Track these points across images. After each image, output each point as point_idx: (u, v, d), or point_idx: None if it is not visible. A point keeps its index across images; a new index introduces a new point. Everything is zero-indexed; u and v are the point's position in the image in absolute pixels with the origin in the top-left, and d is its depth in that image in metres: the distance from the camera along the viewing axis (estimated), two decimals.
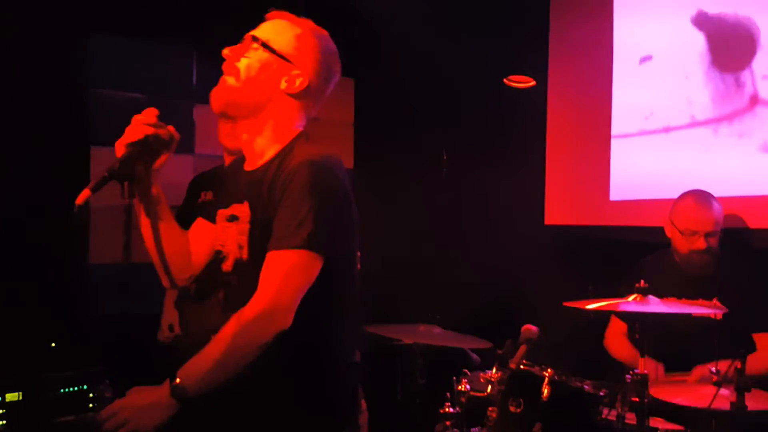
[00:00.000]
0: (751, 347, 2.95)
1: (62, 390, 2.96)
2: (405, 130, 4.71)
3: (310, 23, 1.91)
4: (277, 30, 1.86)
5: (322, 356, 1.82)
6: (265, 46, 1.83)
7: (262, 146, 1.86)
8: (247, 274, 1.79)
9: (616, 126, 4.09)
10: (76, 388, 2.99)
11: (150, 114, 1.80)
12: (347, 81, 4.75)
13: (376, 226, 4.45)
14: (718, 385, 2.41)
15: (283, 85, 1.84)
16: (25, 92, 3.39)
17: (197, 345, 1.71)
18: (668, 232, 3.23)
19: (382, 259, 3.47)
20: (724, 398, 2.36)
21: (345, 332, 1.89)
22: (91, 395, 3.01)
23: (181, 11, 3.58)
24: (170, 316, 2.94)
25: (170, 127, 1.84)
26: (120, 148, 1.76)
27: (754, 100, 3.52)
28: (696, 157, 3.71)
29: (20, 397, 2.87)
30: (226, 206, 1.90)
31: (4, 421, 2.82)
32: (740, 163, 3.53)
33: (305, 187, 1.71)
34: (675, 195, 3.27)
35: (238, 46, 1.85)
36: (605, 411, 2.43)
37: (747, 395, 2.28)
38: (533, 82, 4.52)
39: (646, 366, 2.37)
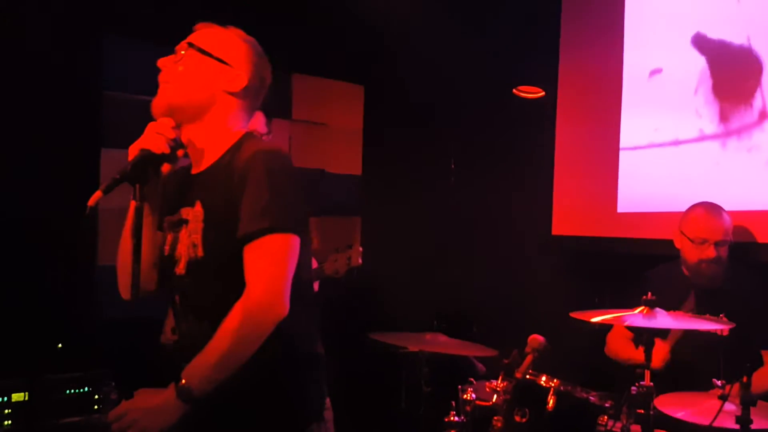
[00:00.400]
0: (758, 362, 2.94)
1: (68, 391, 2.98)
2: (413, 138, 4.72)
3: (237, 30, 1.96)
4: (209, 36, 1.91)
5: (285, 345, 1.79)
6: (202, 50, 1.87)
7: (208, 148, 1.89)
8: (202, 271, 1.81)
9: (625, 138, 4.09)
10: (81, 390, 3.01)
11: (166, 123, 1.82)
12: (357, 88, 4.78)
13: (383, 232, 4.49)
14: (723, 398, 2.39)
15: (224, 85, 1.88)
16: (39, 93, 3.42)
17: (187, 349, 1.73)
18: (677, 243, 3.23)
19: (388, 267, 3.48)
20: (728, 413, 2.35)
21: (305, 319, 1.88)
22: (96, 397, 3.03)
23: (194, 15, 3.61)
24: (173, 318, 2.95)
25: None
26: (133, 151, 1.78)
27: (763, 115, 3.52)
28: (704, 171, 3.71)
29: (26, 398, 2.89)
30: (173, 212, 1.92)
31: (10, 421, 2.83)
32: (748, 177, 3.53)
33: (264, 172, 1.74)
34: (683, 208, 3.27)
35: (172, 56, 1.89)
36: (610, 423, 2.42)
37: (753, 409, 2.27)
38: (542, 93, 4.53)
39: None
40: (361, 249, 3.02)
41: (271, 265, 1.71)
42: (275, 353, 1.75)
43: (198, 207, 1.84)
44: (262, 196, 1.72)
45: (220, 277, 1.77)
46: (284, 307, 1.70)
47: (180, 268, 1.86)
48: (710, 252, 3.06)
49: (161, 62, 1.89)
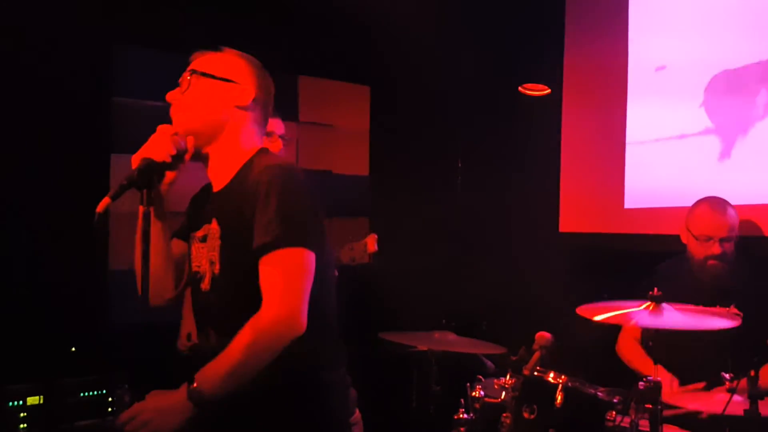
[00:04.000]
0: (766, 356, 2.94)
1: (82, 394, 3.02)
2: (420, 137, 4.74)
3: (233, 51, 1.99)
4: (209, 61, 1.94)
5: (311, 362, 1.84)
6: (205, 74, 1.90)
7: (225, 166, 1.93)
8: (223, 287, 1.85)
9: (631, 134, 4.10)
10: (95, 393, 3.04)
11: (167, 131, 1.85)
12: (363, 88, 4.79)
13: (391, 232, 4.50)
14: (732, 391, 2.40)
15: (234, 101, 1.92)
16: (50, 100, 3.46)
17: (208, 359, 1.75)
18: (684, 239, 3.23)
19: (396, 266, 3.50)
20: (737, 405, 2.36)
21: (332, 337, 1.93)
22: (110, 400, 3.06)
23: (202, 23, 3.65)
24: (189, 324, 2.96)
25: (189, 139, 1.88)
26: (136, 160, 1.81)
27: None
28: (711, 166, 3.71)
29: (41, 401, 2.92)
30: (197, 228, 1.96)
31: (26, 424, 2.87)
32: (755, 171, 3.53)
33: (273, 187, 1.77)
34: (690, 203, 3.27)
35: (177, 88, 1.93)
36: (618, 418, 2.43)
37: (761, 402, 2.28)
38: (548, 90, 4.54)
39: (661, 377, 2.37)
40: (375, 236, 3.02)
41: (286, 280, 1.73)
42: (297, 367, 1.80)
43: (214, 224, 1.89)
44: (270, 209, 1.74)
45: (240, 293, 1.80)
46: (301, 325, 1.72)
47: (205, 284, 1.90)
48: (715, 249, 3.06)
49: (170, 96, 1.92)
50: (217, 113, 1.91)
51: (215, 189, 1.96)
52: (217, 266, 1.86)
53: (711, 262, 3.09)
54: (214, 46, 1.99)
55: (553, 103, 4.48)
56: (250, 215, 1.78)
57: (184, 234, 2.04)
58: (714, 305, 2.95)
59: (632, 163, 4.08)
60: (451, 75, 4.59)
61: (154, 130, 1.87)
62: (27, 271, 3.35)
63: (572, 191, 4.39)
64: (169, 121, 1.94)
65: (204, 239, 1.92)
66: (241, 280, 1.79)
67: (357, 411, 1.97)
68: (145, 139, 1.86)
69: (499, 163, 4.62)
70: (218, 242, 1.86)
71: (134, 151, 1.85)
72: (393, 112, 4.73)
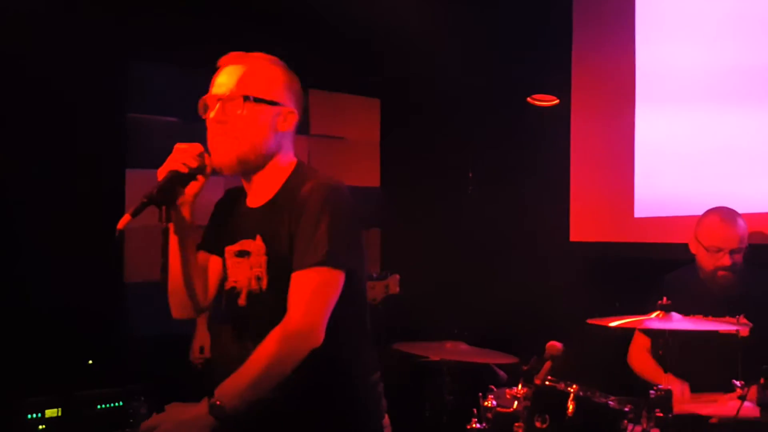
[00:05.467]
0: None
1: (99, 407, 3.05)
2: (430, 149, 4.77)
3: (262, 55, 1.95)
4: (252, 78, 1.88)
5: (346, 372, 1.90)
6: (258, 99, 1.87)
7: (265, 184, 1.94)
8: (265, 304, 1.87)
9: (640, 143, 4.11)
10: (113, 405, 3.08)
11: (195, 149, 1.85)
12: (373, 101, 4.84)
13: (402, 243, 4.53)
14: (742, 399, 2.41)
15: (281, 126, 1.92)
16: (66, 115, 3.51)
17: (222, 369, 1.79)
18: (693, 249, 3.23)
19: (407, 277, 3.52)
20: (748, 411, 2.37)
21: (367, 348, 1.97)
22: (127, 412, 3.10)
23: (215, 39, 3.71)
24: (202, 338, 3.00)
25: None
26: (162, 173, 1.83)
27: None
28: (721, 174, 3.71)
29: (59, 413, 2.96)
30: (232, 242, 1.96)
31: None
32: (765, 179, 3.53)
33: (320, 206, 1.80)
34: (700, 212, 3.27)
35: (224, 106, 1.85)
36: (629, 427, 2.44)
37: None
38: (557, 101, 4.56)
39: (672, 386, 2.38)
40: (398, 276, 3.04)
41: (315, 297, 1.78)
42: (334, 378, 1.85)
43: (259, 241, 1.90)
44: (316, 230, 1.78)
45: (278, 309, 1.81)
46: (318, 338, 1.76)
47: (242, 299, 1.93)
48: (725, 260, 3.06)
49: (215, 116, 1.85)
50: (269, 139, 1.89)
51: (253, 204, 1.96)
52: (264, 282, 1.88)
53: (721, 273, 3.09)
54: (239, 41, 1.96)
55: (562, 113, 4.50)
56: (294, 230, 1.81)
57: (211, 246, 2.03)
58: (723, 315, 2.96)
59: (642, 172, 4.09)
60: (460, 87, 4.63)
61: (168, 146, 1.88)
62: (44, 285, 3.39)
63: (582, 200, 4.40)
64: (185, 134, 1.96)
65: (242, 254, 1.93)
66: (284, 296, 1.81)
67: (386, 416, 2.02)
68: (160, 154, 1.88)
69: (509, 174, 4.63)
70: (264, 258, 1.88)
71: (149, 166, 1.89)
72: (403, 124, 4.77)
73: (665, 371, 2.43)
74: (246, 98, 1.85)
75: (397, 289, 3.02)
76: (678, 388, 2.94)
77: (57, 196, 3.48)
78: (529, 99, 4.61)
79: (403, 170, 4.77)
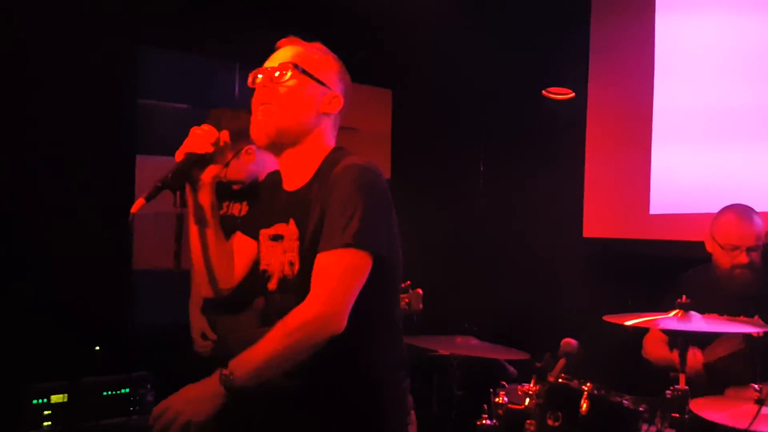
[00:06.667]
0: None
1: (105, 393, 3.03)
2: (442, 141, 4.73)
3: (320, 45, 1.95)
4: (306, 56, 1.89)
5: (368, 365, 1.84)
6: (306, 72, 1.86)
7: (302, 167, 1.90)
8: (295, 289, 1.82)
9: (657, 139, 4.06)
10: (119, 392, 3.06)
11: (211, 133, 1.82)
12: (385, 92, 4.80)
13: (412, 236, 4.49)
14: (760, 403, 2.37)
15: (324, 107, 1.89)
16: (76, 101, 3.49)
17: (237, 353, 1.73)
18: (709, 247, 3.19)
19: (418, 270, 3.48)
20: (765, 417, 2.33)
21: (393, 342, 1.91)
22: (133, 398, 3.08)
23: (225, 26, 3.67)
24: (198, 324, 2.96)
25: (223, 133, 1.84)
26: (179, 155, 1.80)
27: None
28: (738, 171, 3.67)
29: (65, 400, 2.94)
30: (268, 226, 1.93)
31: (50, 422, 2.89)
32: None
33: (351, 187, 1.74)
34: (716, 209, 3.22)
35: (267, 74, 1.86)
36: (644, 427, 2.41)
37: None
38: (572, 94, 4.51)
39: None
40: (421, 292, 2.99)
41: (341, 279, 1.71)
42: (358, 366, 1.81)
43: (292, 225, 1.86)
44: (345, 211, 1.72)
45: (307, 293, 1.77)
46: (340, 325, 1.69)
47: (272, 284, 1.89)
48: (742, 258, 3.02)
49: (262, 80, 1.85)
50: (309, 116, 1.87)
51: (289, 188, 1.93)
52: (297, 266, 1.83)
53: (738, 271, 3.05)
54: (306, 35, 1.94)
55: (578, 106, 4.45)
56: (324, 210, 1.76)
57: (248, 229, 2.00)
58: (740, 314, 2.92)
59: (658, 168, 4.04)
60: (473, 78, 4.58)
61: (179, 132, 1.86)
62: (52, 271, 3.38)
63: (596, 196, 4.36)
64: (194, 121, 1.92)
65: (276, 238, 1.89)
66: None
67: (412, 412, 2.00)
68: (170, 140, 1.86)
69: (522, 167, 4.59)
70: (296, 243, 1.84)
71: (159, 153, 1.86)
72: (415, 115, 4.73)
73: (681, 371, 2.38)
74: (296, 66, 1.85)
75: (420, 306, 2.96)
76: (690, 352, 2.88)
77: (66, 182, 3.45)
78: (544, 92, 4.56)
79: (414, 162, 4.74)
